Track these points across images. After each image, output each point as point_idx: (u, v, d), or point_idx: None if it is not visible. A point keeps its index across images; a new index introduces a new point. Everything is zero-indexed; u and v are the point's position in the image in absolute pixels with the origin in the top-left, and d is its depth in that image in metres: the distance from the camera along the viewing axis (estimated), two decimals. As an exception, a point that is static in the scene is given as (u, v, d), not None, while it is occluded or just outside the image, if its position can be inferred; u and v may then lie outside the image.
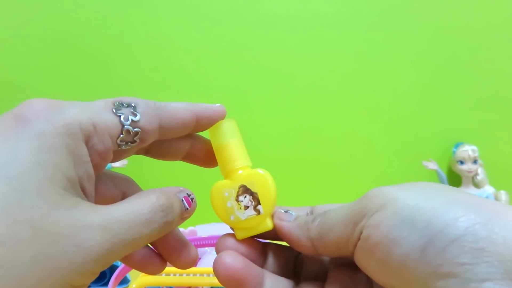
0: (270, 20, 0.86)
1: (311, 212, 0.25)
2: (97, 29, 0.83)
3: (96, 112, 0.19)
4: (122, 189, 0.24)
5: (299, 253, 0.25)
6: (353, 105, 0.89)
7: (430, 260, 0.15)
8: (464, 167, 0.86)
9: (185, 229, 0.58)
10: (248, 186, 0.23)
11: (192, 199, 0.22)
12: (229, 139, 0.24)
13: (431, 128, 0.90)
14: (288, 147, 0.87)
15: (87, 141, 0.18)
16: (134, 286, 0.40)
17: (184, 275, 0.42)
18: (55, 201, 0.16)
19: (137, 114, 0.20)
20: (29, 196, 0.16)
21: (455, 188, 0.19)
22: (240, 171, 0.24)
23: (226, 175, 0.24)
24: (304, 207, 0.25)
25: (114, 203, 0.19)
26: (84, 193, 0.19)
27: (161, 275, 0.42)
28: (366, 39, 0.88)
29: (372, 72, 0.89)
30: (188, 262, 0.23)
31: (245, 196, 0.23)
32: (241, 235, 0.23)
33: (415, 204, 0.17)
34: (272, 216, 0.23)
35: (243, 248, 0.23)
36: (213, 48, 0.85)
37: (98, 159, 0.19)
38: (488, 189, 0.86)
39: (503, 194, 0.84)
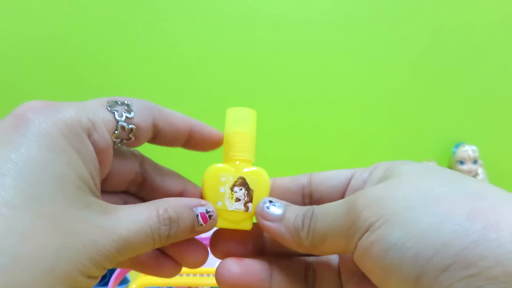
0: (269, 20, 0.86)
1: (309, 183, 0.24)
2: (97, 29, 0.83)
3: (92, 110, 0.19)
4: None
5: (307, 267, 0.24)
6: (353, 105, 0.89)
7: None
8: (464, 167, 0.86)
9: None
10: (247, 181, 0.23)
11: (210, 216, 0.22)
12: (243, 128, 0.24)
13: (431, 128, 0.90)
14: (286, 147, 0.87)
15: (89, 137, 0.19)
16: (134, 286, 0.40)
17: (184, 275, 0.42)
18: (70, 198, 0.17)
19: (131, 111, 0.20)
20: (46, 192, 0.16)
21: (446, 189, 0.17)
22: (237, 162, 0.24)
23: (226, 161, 0.24)
24: (301, 176, 0.25)
25: (124, 206, 0.19)
26: (96, 189, 0.19)
27: (161, 275, 0.42)
28: (366, 39, 0.88)
29: (371, 72, 0.89)
30: (198, 260, 0.23)
31: (241, 189, 0.23)
32: (221, 224, 0.23)
33: (403, 224, 0.16)
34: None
35: (247, 270, 0.22)
36: (213, 48, 0.85)
37: (102, 156, 0.20)
38: (488, 189, 0.86)
39: (503, 194, 0.84)
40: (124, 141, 0.21)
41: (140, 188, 0.24)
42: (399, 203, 0.17)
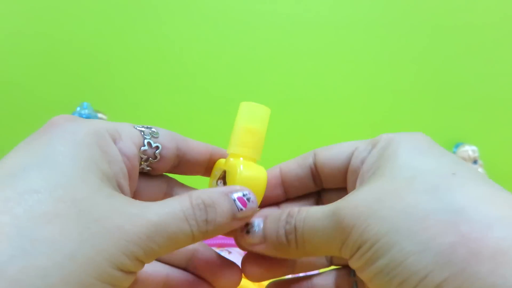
0: (270, 20, 0.86)
1: (315, 163, 0.25)
2: (98, 29, 0.83)
3: (119, 124, 0.21)
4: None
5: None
6: (352, 105, 0.89)
7: None
8: (464, 167, 0.85)
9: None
10: (226, 174, 0.23)
11: (248, 199, 0.21)
12: (254, 124, 0.24)
13: (431, 128, 0.90)
14: (286, 146, 0.87)
15: (115, 143, 0.20)
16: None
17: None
18: (94, 187, 0.17)
19: (157, 132, 0.22)
20: (70, 180, 0.16)
21: (430, 206, 0.17)
22: (241, 159, 0.23)
23: (231, 155, 0.24)
24: (306, 157, 0.25)
25: (154, 202, 0.19)
26: (121, 190, 0.19)
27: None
28: (365, 39, 0.88)
29: (371, 72, 0.89)
30: (233, 282, 0.23)
31: (221, 182, 0.24)
32: None
33: (387, 250, 0.17)
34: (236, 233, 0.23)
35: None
36: (213, 48, 0.85)
37: (128, 164, 0.20)
38: (488, 189, 0.86)
39: (503, 194, 0.84)
40: (150, 159, 0.21)
41: None
42: (384, 225, 0.17)
